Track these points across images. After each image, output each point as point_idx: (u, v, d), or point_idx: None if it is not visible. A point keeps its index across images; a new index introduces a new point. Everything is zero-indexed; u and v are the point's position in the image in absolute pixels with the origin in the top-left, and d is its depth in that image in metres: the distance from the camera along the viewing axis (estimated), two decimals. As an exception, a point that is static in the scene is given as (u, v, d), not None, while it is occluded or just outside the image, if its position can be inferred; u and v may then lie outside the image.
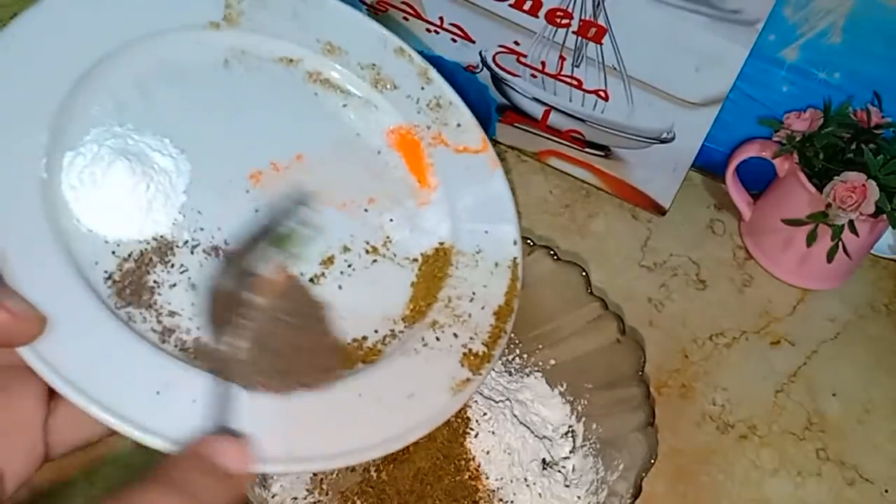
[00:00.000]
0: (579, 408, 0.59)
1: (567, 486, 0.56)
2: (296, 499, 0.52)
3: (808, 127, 0.68)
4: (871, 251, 0.74)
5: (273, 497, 0.52)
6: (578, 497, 0.55)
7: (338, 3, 0.53)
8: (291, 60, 0.51)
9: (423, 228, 0.51)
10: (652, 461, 0.52)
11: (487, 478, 0.55)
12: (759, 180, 0.73)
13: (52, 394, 0.36)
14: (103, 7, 0.46)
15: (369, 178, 0.51)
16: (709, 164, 0.77)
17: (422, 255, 0.50)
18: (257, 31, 0.50)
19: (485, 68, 0.72)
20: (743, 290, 0.73)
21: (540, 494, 0.55)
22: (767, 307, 0.72)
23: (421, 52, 0.70)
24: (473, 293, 0.50)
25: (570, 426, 0.59)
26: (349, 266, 0.48)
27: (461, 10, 0.68)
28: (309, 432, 0.41)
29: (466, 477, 0.55)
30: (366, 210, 0.50)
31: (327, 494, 0.53)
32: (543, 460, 0.57)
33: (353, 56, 0.52)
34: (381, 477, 0.54)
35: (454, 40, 0.71)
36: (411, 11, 0.70)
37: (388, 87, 0.53)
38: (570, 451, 0.58)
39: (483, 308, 0.49)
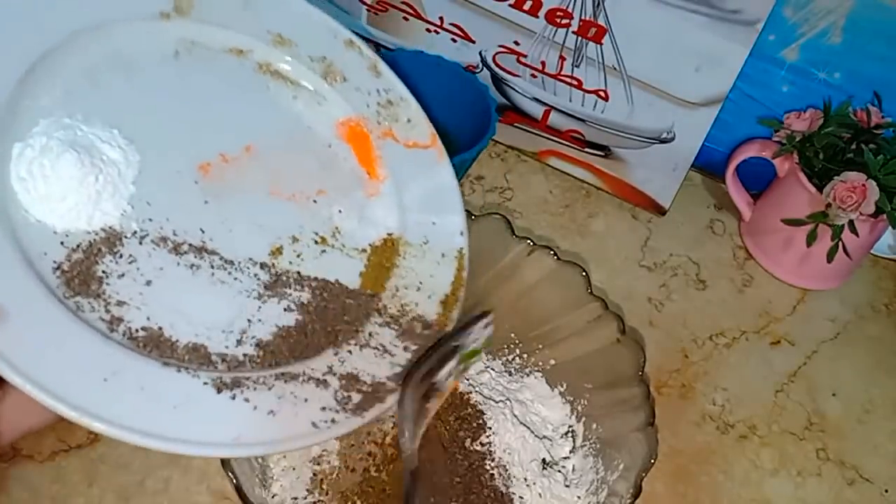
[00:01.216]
0: (579, 408, 0.59)
1: (567, 486, 0.56)
2: (296, 499, 0.52)
3: (808, 127, 0.68)
4: (871, 251, 0.74)
5: (273, 497, 0.52)
6: (578, 497, 0.55)
7: None
8: (241, 52, 0.51)
9: (372, 219, 0.51)
10: (652, 461, 0.52)
11: (488, 478, 0.55)
12: (759, 180, 0.73)
13: (0, 382, 0.37)
14: None
15: (319, 169, 0.51)
16: (709, 164, 0.77)
17: (370, 245, 0.51)
18: (207, 22, 0.50)
19: (485, 68, 0.72)
20: (743, 290, 0.73)
21: (540, 494, 0.55)
22: (767, 307, 0.72)
23: (422, 52, 0.70)
24: (420, 283, 0.50)
25: (570, 426, 0.59)
26: (298, 256, 0.48)
27: (461, 10, 0.68)
28: (259, 419, 0.41)
29: (466, 477, 0.55)
30: (315, 201, 0.50)
31: (327, 494, 0.53)
32: (543, 460, 0.57)
33: (303, 48, 0.53)
34: (382, 477, 0.54)
35: (454, 40, 0.71)
36: (411, 11, 0.70)
37: (338, 79, 0.53)
38: (570, 451, 0.58)
39: (430, 297, 0.50)
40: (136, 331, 0.41)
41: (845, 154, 0.67)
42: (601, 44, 0.66)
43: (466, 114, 0.68)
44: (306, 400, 0.43)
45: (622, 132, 0.71)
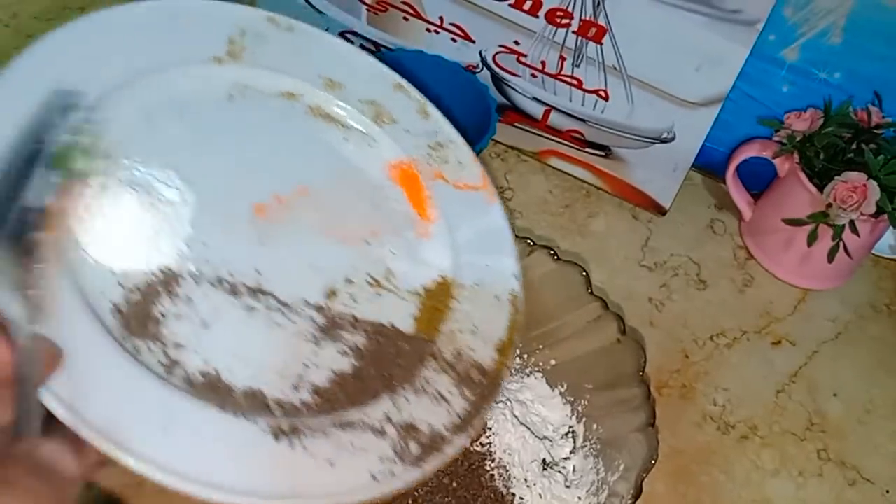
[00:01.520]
0: (580, 408, 0.59)
1: (567, 486, 0.56)
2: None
3: (808, 127, 0.68)
4: (872, 251, 0.74)
5: None
6: (579, 498, 0.55)
7: (337, 39, 0.54)
8: (293, 95, 0.52)
9: (425, 261, 0.51)
10: (652, 462, 0.52)
11: (488, 478, 0.55)
12: (759, 180, 0.73)
13: (50, 425, 0.36)
14: (109, 41, 0.47)
15: (371, 210, 0.52)
16: (709, 164, 0.77)
17: (423, 288, 0.50)
18: (259, 66, 0.51)
19: (485, 68, 0.72)
20: (744, 290, 0.73)
21: (540, 495, 0.55)
22: (768, 307, 0.72)
23: (422, 52, 0.70)
24: (475, 327, 0.50)
25: (570, 426, 0.59)
26: (352, 298, 0.48)
27: (461, 9, 0.68)
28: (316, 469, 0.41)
29: (466, 478, 0.55)
30: (368, 242, 0.50)
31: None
32: (544, 461, 0.57)
33: (352, 91, 0.53)
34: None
35: (454, 40, 0.71)
36: (411, 11, 0.70)
37: (388, 121, 0.54)
38: (571, 452, 0.58)
39: (485, 342, 0.49)
40: (194, 375, 0.41)
41: (846, 154, 0.67)
42: (601, 44, 0.66)
43: (466, 114, 0.68)
44: (364, 450, 0.42)
45: (622, 132, 0.71)
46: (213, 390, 0.41)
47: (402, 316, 0.49)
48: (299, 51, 0.52)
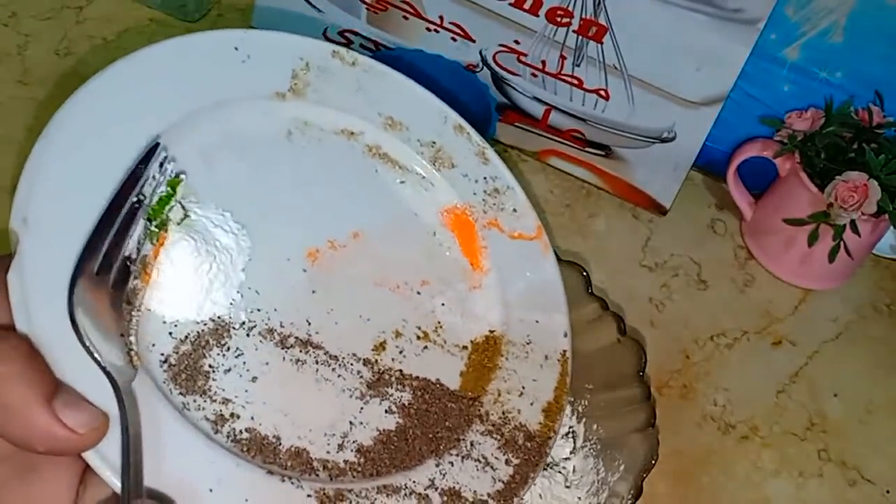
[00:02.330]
0: (580, 408, 0.59)
1: (568, 486, 0.56)
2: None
3: (809, 126, 0.68)
4: (873, 251, 0.74)
5: None
6: (579, 498, 0.55)
7: (401, 76, 0.52)
8: (353, 133, 0.50)
9: (474, 314, 0.50)
10: (653, 462, 0.52)
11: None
12: (760, 180, 0.73)
13: (81, 477, 0.35)
14: (169, 75, 0.45)
15: (423, 259, 0.50)
16: (710, 164, 0.77)
17: (472, 342, 0.49)
18: (322, 103, 0.49)
19: (485, 67, 0.72)
20: (744, 291, 0.72)
21: (540, 495, 0.55)
22: (769, 307, 0.72)
23: (422, 51, 0.70)
24: (523, 387, 0.49)
25: (570, 427, 0.59)
26: (400, 352, 0.47)
27: (461, 8, 0.68)
28: None
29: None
30: (418, 293, 0.49)
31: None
32: (544, 461, 0.56)
33: (413, 132, 0.51)
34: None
35: (454, 39, 0.71)
36: (411, 10, 0.70)
37: (447, 165, 0.52)
38: (571, 452, 0.58)
39: (532, 404, 0.48)
40: (241, 432, 0.40)
41: (847, 153, 0.66)
42: (602, 43, 0.66)
43: (466, 113, 0.68)
44: None
45: (623, 132, 0.71)
46: (258, 449, 0.40)
47: (449, 372, 0.48)
48: (362, 87, 0.50)
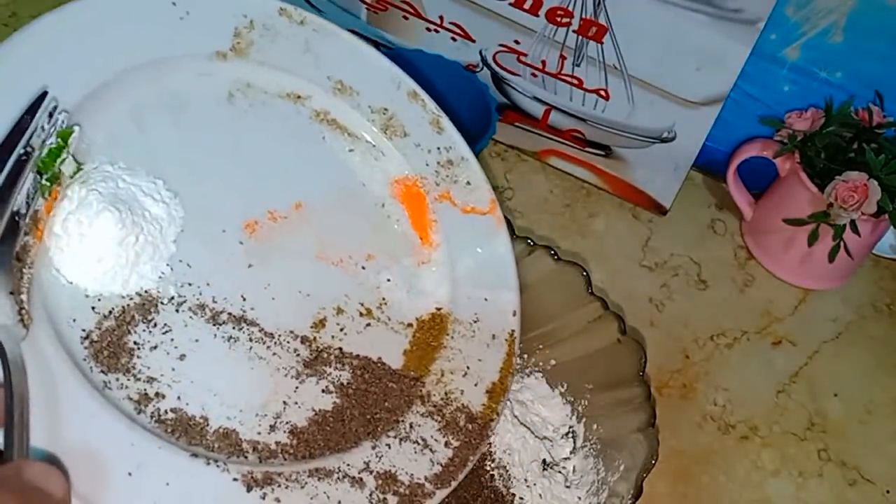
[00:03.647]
0: (580, 408, 0.59)
1: (568, 486, 0.56)
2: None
3: (809, 126, 0.68)
4: (873, 251, 0.74)
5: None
6: (579, 498, 0.55)
7: (353, 37, 0.49)
8: (299, 97, 0.48)
9: (421, 290, 0.48)
10: (653, 462, 0.52)
11: (488, 479, 0.55)
12: (760, 180, 0.73)
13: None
14: (99, 31, 0.42)
15: (369, 232, 0.48)
16: (710, 164, 0.77)
17: (417, 319, 0.47)
18: (266, 64, 0.47)
19: (485, 67, 0.72)
20: (744, 290, 0.72)
21: (540, 495, 0.55)
22: (769, 307, 0.72)
23: (422, 51, 0.70)
24: (467, 367, 0.47)
25: (570, 427, 0.59)
26: (341, 329, 0.45)
27: (461, 8, 0.68)
28: None
29: (466, 478, 0.54)
30: (363, 268, 0.47)
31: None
32: (544, 461, 0.56)
33: (364, 97, 0.49)
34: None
35: (454, 39, 0.71)
36: (411, 10, 0.70)
37: (398, 133, 0.50)
38: (571, 452, 0.58)
39: (476, 385, 0.47)
40: (166, 412, 0.38)
41: (847, 153, 0.66)
42: (602, 43, 0.66)
43: (466, 113, 0.68)
44: (339, 502, 0.40)
45: (623, 131, 0.71)
46: (184, 430, 0.38)
47: (391, 350, 0.46)
48: (311, 48, 0.47)
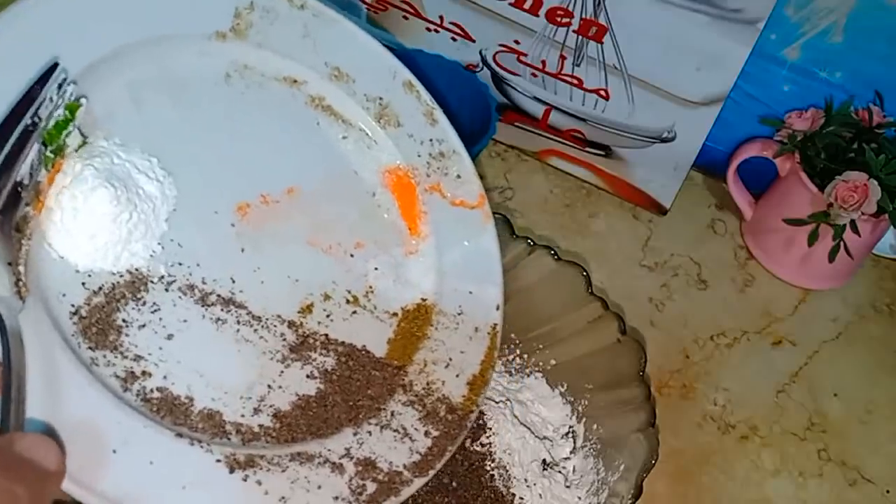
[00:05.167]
0: (580, 408, 0.59)
1: (568, 486, 0.56)
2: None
3: (809, 126, 0.68)
4: (873, 251, 0.74)
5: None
6: (579, 498, 0.55)
7: (352, 25, 0.49)
8: (296, 81, 0.48)
9: (407, 280, 0.49)
10: (653, 462, 0.52)
11: (488, 478, 0.55)
12: (760, 180, 0.73)
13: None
14: (99, 6, 0.42)
15: (359, 219, 0.48)
16: (710, 164, 0.77)
17: (402, 309, 0.48)
18: (264, 47, 0.47)
19: (485, 67, 0.72)
20: (744, 290, 0.72)
21: (540, 495, 0.55)
22: (769, 307, 0.72)
23: (422, 51, 0.70)
24: (450, 359, 0.48)
25: (570, 427, 0.59)
26: (328, 316, 0.45)
27: (461, 8, 0.68)
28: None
29: (466, 478, 0.55)
30: (351, 255, 0.48)
31: None
32: (544, 461, 0.56)
33: (359, 85, 0.49)
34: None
35: (454, 39, 0.71)
36: (411, 10, 0.70)
37: (392, 123, 0.50)
38: (571, 452, 0.58)
39: (457, 376, 0.47)
40: (151, 391, 0.39)
41: (847, 153, 0.66)
42: (602, 43, 0.66)
43: (466, 113, 0.68)
44: (319, 487, 0.40)
45: (623, 131, 0.71)
46: (169, 409, 0.39)
47: (376, 339, 0.46)
48: (310, 33, 0.47)
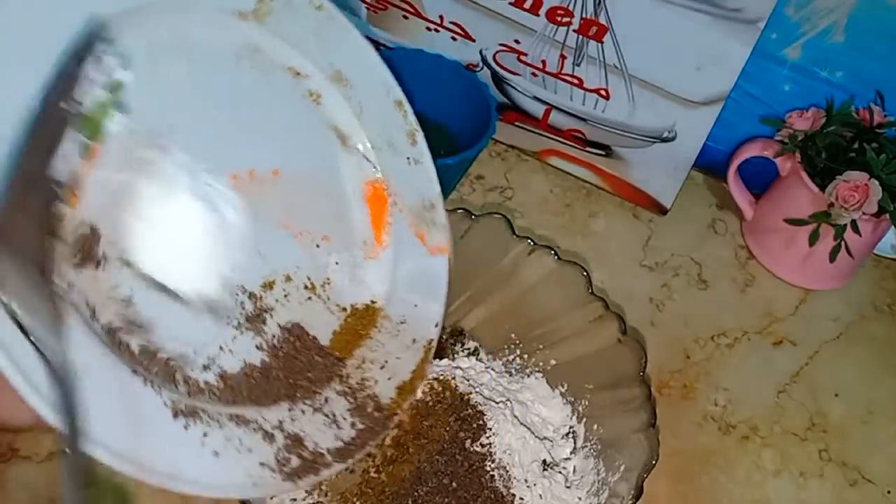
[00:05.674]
0: (580, 408, 0.59)
1: (568, 487, 0.56)
2: (294, 500, 0.52)
3: (810, 126, 0.68)
4: (874, 251, 0.74)
5: (271, 498, 0.52)
6: (579, 498, 0.55)
7: (361, 38, 0.51)
8: (299, 74, 0.50)
9: (362, 281, 0.52)
10: (653, 462, 0.52)
11: (488, 479, 0.55)
12: (761, 179, 0.73)
13: None
14: None
15: (331, 215, 0.51)
16: (710, 163, 0.77)
17: (352, 306, 0.51)
18: (278, 35, 0.49)
19: (485, 67, 0.72)
20: (745, 290, 0.72)
21: (541, 496, 0.55)
22: (769, 307, 0.72)
23: (422, 51, 0.70)
24: (386, 361, 0.50)
25: (570, 427, 0.59)
26: (286, 296, 0.48)
27: (461, 8, 0.68)
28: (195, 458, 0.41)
29: (467, 478, 0.55)
30: (318, 245, 0.50)
31: (326, 496, 0.53)
32: (544, 461, 0.56)
33: (356, 91, 0.52)
34: (381, 478, 0.53)
35: (454, 39, 0.71)
36: (411, 10, 0.70)
37: (375, 133, 0.52)
38: (571, 452, 0.58)
39: (389, 379, 0.50)
40: (113, 322, 0.40)
41: (848, 153, 0.66)
42: (602, 42, 0.66)
43: (466, 112, 0.68)
44: (250, 450, 0.43)
45: (623, 131, 0.71)
46: (129, 353, 0.40)
47: (324, 328, 0.49)
48: (321, 33, 0.50)
